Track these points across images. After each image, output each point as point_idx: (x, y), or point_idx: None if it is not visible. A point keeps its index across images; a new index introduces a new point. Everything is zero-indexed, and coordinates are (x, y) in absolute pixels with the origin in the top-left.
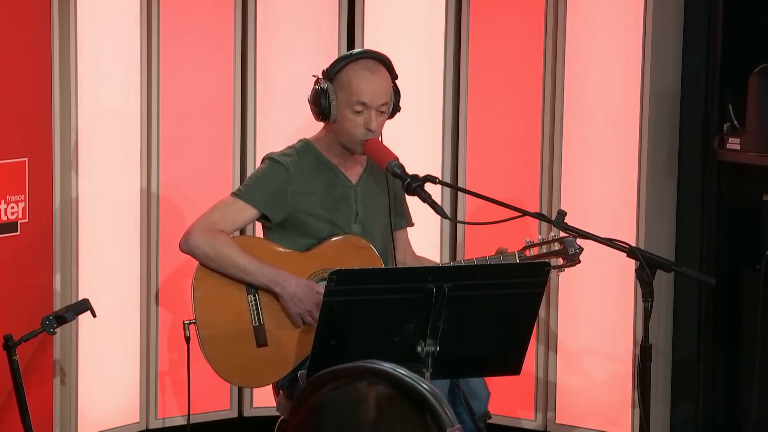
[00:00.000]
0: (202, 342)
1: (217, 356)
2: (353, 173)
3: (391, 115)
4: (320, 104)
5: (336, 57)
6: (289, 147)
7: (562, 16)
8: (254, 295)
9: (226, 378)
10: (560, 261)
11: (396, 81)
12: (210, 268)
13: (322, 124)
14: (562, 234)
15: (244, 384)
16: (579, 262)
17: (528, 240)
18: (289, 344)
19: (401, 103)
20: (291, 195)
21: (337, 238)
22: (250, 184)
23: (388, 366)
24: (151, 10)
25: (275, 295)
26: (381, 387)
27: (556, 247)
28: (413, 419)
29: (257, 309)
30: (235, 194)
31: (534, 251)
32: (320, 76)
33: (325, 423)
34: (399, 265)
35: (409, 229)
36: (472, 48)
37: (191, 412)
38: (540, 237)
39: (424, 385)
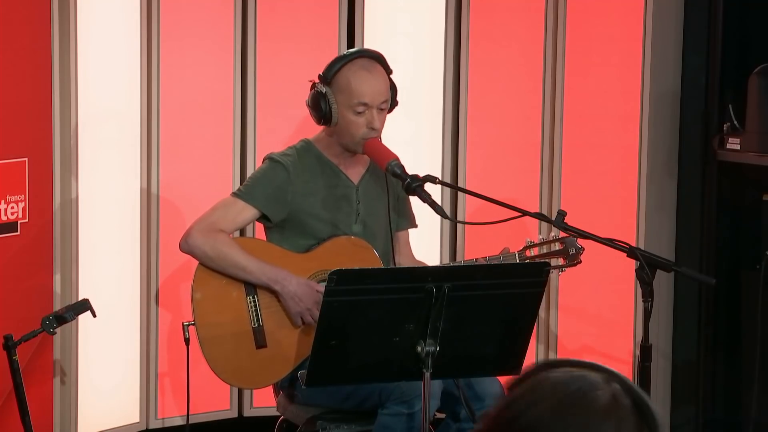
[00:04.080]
0: (202, 343)
1: (216, 357)
2: (355, 173)
3: (389, 111)
4: (320, 108)
5: (335, 57)
6: (289, 147)
7: (562, 16)
8: (253, 297)
9: (226, 379)
10: (561, 261)
11: (391, 76)
12: (210, 267)
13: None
14: (563, 234)
15: (243, 385)
16: (580, 262)
17: (528, 240)
18: (288, 345)
19: (400, 99)
20: (291, 195)
21: (337, 239)
22: (250, 184)
23: (615, 371)
24: (151, 10)
25: (275, 295)
26: (616, 385)
27: (557, 247)
28: (635, 421)
29: (256, 310)
30: (235, 194)
31: (534, 251)
32: (317, 81)
33: (557, 394)
34: (397, 266)
35: (410, 229)
36: (472, 48)
37: (191, 413)
38: (540, 237)
39: (651, 402)
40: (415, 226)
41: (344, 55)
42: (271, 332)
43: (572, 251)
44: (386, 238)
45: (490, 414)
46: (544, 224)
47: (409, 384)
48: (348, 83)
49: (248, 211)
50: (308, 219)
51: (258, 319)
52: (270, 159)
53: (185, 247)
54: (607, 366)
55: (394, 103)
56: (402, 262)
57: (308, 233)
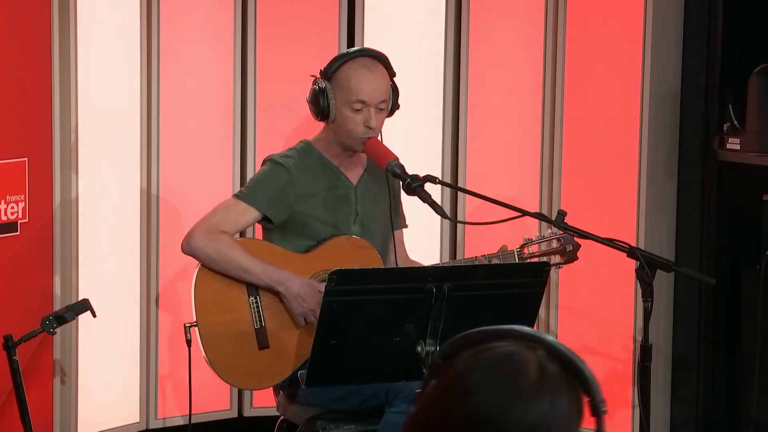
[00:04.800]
0: (204, 344)
1: (218, 359)
2: (354, 173)
3: (390, 113)
4: (319, 104)
5: (338, 54)
6: (289, 148)
7: (562, 17)
8: (255, 297)
9: (228, 380)
10: (558, 258)
11: (394, 78)
12: (212, 269)
13: (322, 124)
14: (560, 231)
15: (246, 386)
16: (577, 258)
17: (526, 238)
18: (290, 346)
19: (400, 101)
20: (293, 197)
21: (337, 238)
22: (252, 185)
23: (539, 333)
24: (151, 10)
25: (277, 296)
26: (540, 351)
27: (554, 244)
28: (567, 385)
29: (258, 311)
30: (236, 196)
31: (533, 249)
32: (318, 76)
33: (488, 381)
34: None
35: (408, 229)
36: (472, 48)
37: (192, 412)
38: (538, 235)
39: (575, 354)
40: (406, 226)
41: (347, 52)
42: (274, 333)
43: (569, 248)
44: (384, 238)
45: (425, 395)
46: (543, 223)
47: (417, 383)
48: (348, 80)
49: (250, 213)
50: (309, 220)
51: (260, 320)
52: (271, 161)
53: (187, 248)
54: (526, 328)
55: (395, 106)
56: (398, 262)
57: (309, 234)
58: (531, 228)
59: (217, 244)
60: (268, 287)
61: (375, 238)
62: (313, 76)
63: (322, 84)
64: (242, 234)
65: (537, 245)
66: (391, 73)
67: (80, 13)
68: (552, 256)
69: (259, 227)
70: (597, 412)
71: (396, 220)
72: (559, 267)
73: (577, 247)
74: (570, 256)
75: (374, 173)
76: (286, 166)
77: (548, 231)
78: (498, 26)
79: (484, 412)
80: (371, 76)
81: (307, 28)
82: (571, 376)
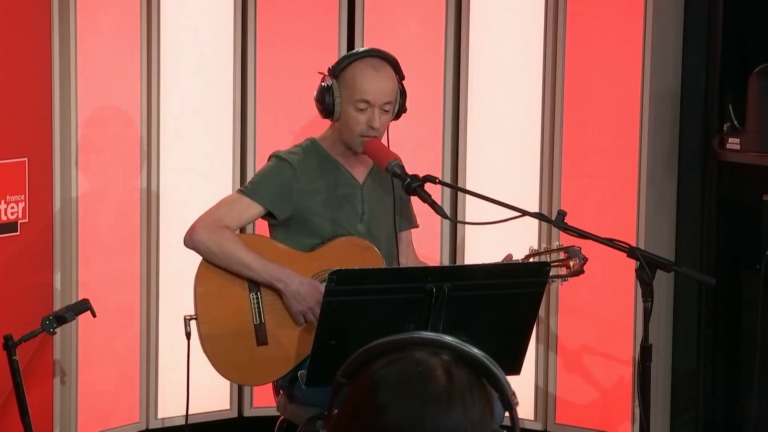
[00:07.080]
0: (203, 338)
1: (216, 353)
2: (359, 172)
3: (397, 116)
4: (324, 101)
5: (336, 57)
6: (295, 145)
7: (562, 17)
8: (256, 294)
9: (226, 375)
10: (563, 271)
11: (402, 81)
12: (214, 264)
13: (324, 125)
14: (564, 236)
15: (243, 382)
16: (583, 272)
17: (532, 248)
18: (289, 343)
19: (407, 105)
20: (296, 193)
21: (341, 238)
22: (256, 181)
23: (439, 337)
24: (150, 10)
25: (278, 293)
26: (444, 356)
27: (560, 255)
28: (475, 384)
29: (259, 307)
30: (240, 191)
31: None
32: (326, 73)
33: (398, 395)
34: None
35: (412, 229)
36: (472, 47)
37: (191, 412)
38: (544, 246)
39: (478, 351)
40: (417, 225)
41: (357, 51)
42: (273, 330)
43: (574, 261)
44: (390, 239)
45: (335, 418)
46: (547, 232)
47: None
48: (353, 79)
49: (253, 208)
50: (312, 217)
51: (260, 316)
52: (276, 157)
53: (189, 242)
54: (425, 332)
55: (402, 109)
56: (405, 263)
57: (312, 232)
58: (531, 228)
59: (219, 239)
60: (268, 284)
61: (381, 238)
62: (321, 73)
63: (329, 82)
64: (243, 230)
65: (539, 257)
66: (400, 76)
67: (80, 13)
68: (555, 268)
69: (260, 224)
70: (509, 405)
71: (402, 221)
72: (564, 280)
73: (584, 260)
74: (575, 270)
75: (380, 173)
76: (290, 162)
77: (555, 243)
78: (498, 26)
79: (400, 426)
80: (377, 76)
81: (307, 29)
82: (479, 376)
